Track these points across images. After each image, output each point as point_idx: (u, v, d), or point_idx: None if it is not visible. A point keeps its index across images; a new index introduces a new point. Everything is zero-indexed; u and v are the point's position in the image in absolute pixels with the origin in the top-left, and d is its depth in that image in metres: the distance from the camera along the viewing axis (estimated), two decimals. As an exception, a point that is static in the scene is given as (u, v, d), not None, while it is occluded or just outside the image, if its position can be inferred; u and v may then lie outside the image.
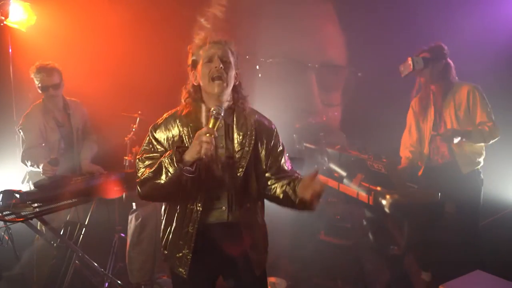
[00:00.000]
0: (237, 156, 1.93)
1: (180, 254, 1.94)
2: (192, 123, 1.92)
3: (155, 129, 1.97)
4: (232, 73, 1.94)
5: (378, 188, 3.18)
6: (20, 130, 3.25)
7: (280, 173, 2.03)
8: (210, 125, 1.79)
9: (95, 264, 3.25)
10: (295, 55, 4.93)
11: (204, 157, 1.77)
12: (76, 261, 3.14)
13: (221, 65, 1.88)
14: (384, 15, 4.46)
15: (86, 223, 3.29)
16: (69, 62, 3.37)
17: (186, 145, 1.88)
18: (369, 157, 3.33)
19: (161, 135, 1.95)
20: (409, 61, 3.20)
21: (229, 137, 1.95)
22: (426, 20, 4.19)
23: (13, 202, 2.60)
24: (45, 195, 2.72)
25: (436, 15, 4.23)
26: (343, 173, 3.65)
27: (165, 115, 2.01)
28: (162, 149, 1.94)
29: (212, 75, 1.88)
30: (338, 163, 3.90)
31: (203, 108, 1.95)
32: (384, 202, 3.05)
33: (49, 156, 3.17)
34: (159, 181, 1.82)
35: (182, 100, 2.01)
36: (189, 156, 1.79)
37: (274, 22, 4.59)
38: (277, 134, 2.08)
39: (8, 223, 2.58)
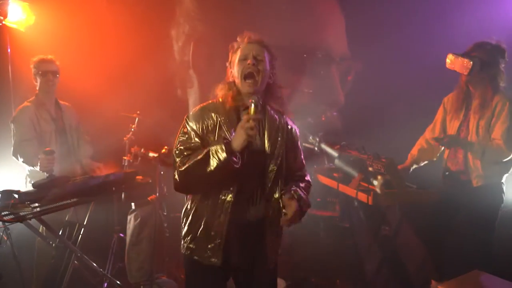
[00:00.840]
0: (268, 150, 1.99)
1: (212, 245, 1.97)
2: (229, 114, 1.98)
3: (190, 118, 2.01)
4: (266, 71, 1.98)
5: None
6: (12, 123, 3.24)
7: (291, 176, 2.14)
8: (252, 112, 1.85)
9: (94, 264, 3.26)
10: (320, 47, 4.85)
11: (251, 141, 1.84)
12: (75, 261, 3.15)
13: (254, 62, 1.93)
14: (383, 15, 4.44)
15: (85, 223, 3.29)
16: (68, 62, 3.36)
17: (225, 130, 1.93)
18: (369, 157, 3.32)
19: (197, 124, 1.98)
20: (468, 65, 2.88)
21: (261, 132, 2.01)
22: (425, 19, 4.19)
23: (11, 202, 2.58)
24: (44, 195, 2.71)
25: (435, 14, 4.22)
26: (342, 173, 3.64)
27: (198, 107, 2.05)
28: (198, 140, 1.96)
29: (244, 72, 1.94)
30: (337, 163, 3.89)
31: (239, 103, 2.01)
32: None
33: (41, 151, 3.14)
34: (205, 169, 1.85)
35: (218, 93, 2.06)
36: (236, 144, 1.84)
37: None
38: (297, 136, 2.18)
39: (6, 224, 2.58)
